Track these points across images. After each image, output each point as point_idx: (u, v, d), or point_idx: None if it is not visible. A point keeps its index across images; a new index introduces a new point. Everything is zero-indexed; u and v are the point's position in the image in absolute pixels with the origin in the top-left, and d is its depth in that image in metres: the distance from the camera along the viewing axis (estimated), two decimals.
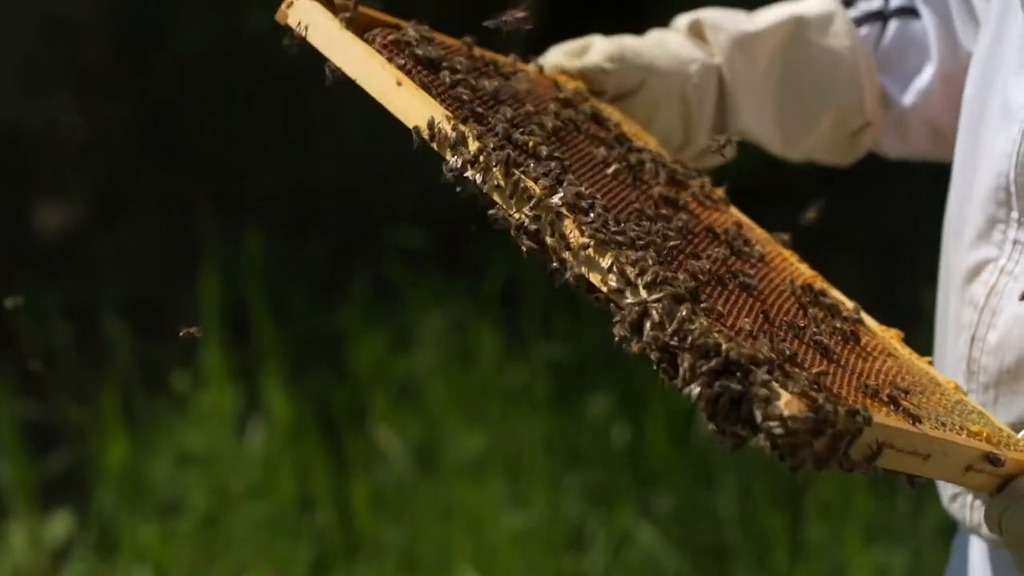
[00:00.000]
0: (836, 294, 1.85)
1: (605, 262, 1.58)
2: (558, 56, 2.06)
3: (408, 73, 1.76)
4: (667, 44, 2.07)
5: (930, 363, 1.84)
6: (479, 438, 4.34)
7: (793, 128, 2.13)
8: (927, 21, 2.08)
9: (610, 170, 1.80)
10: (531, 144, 1.72)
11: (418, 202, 5.29)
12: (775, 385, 1.45)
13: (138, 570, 4.07)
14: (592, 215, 1.63)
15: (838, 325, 1.75)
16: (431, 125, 1.70)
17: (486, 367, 4.60)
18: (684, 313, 1.50)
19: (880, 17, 2.11)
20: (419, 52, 1.80)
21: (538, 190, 1.64)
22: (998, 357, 1.83)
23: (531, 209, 1.63)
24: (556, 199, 1.63)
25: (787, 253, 1.90)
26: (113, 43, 6.02)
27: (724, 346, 1.47)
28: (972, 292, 1.87)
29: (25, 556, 4.16)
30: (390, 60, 1.76)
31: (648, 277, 1.55)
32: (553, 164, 1.70)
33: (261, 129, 5.92)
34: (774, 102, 2.11)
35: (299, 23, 1.78)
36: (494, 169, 1.66)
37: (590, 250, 1.59)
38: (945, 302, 1.97)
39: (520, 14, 1.88)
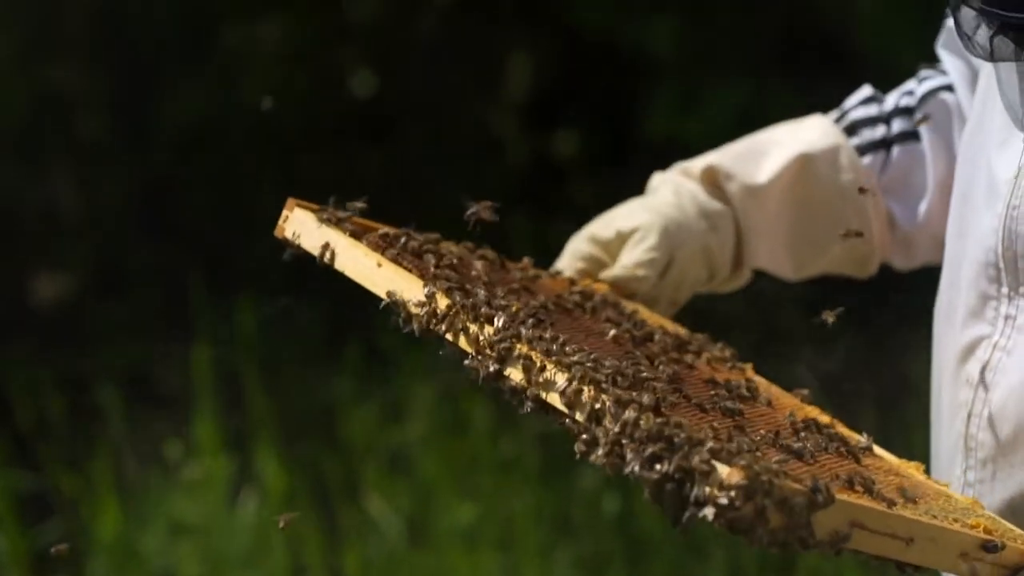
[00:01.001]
0: (846, 430, 1.78)
1: (560, 381, 1.57)
2: (585, 245, 2.08)
3: (390, 258, 1.79)
4: (685, 203, 2.10)
5: (946, 486, 1.80)
6: (471, 509, 4.34)
7: (804, 259, 2.17)
8: (927, 142, 2.11)
9: (609, 335, 1.78)
10: (514, 308, 1.70)
11: None
12: (716, 462, 1.41)
13: None
14: (553, 347, 1.61)
15: (831, 443, 1.69)
16: (405, 302, 1.72)
17: (478, 438, 4.60)
18: (631, 415, 1.49)
19: (884, 144, 2.13)
20: (406, 243, 1.84)
21: (492, 332, 1.63)
22: (994, 431, 1.84)
23: (492, 348, 1.62)
24: (516, 331, 1.63)
25: (808, 407, 1.82)
26: (109, 117, 6.05)
27: (666, 432, 1.45)
28: (967, 371, 1.88)
29: None
30: (374, 250, 1.81)
31: (601, 378, 1.55)
32: (530, 321, 1.67)
33: (254, 200, 5.94)
34: (786, 239, 2.15)
35: (294, 232, 1.89)
36: (461, 315, 1.66)
37: (547, 372, 1.58)
38: (939, 385, 1.98)
39: (487, 205, 1.90)
